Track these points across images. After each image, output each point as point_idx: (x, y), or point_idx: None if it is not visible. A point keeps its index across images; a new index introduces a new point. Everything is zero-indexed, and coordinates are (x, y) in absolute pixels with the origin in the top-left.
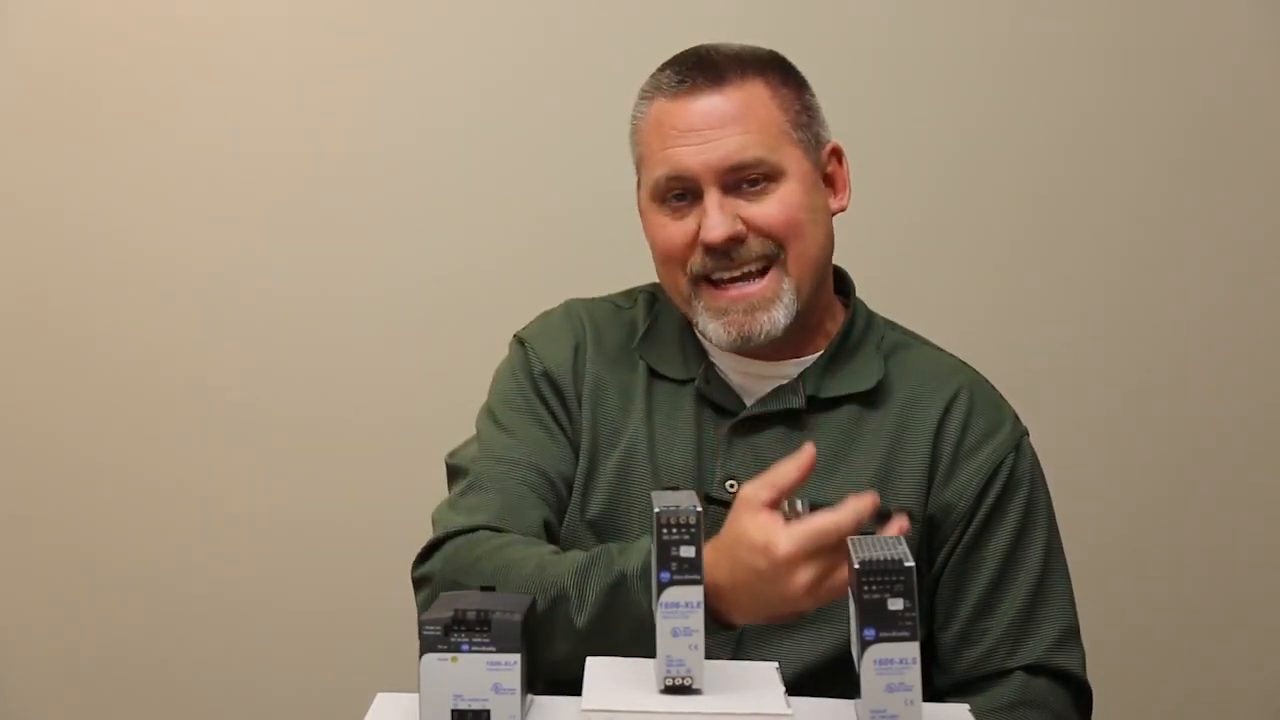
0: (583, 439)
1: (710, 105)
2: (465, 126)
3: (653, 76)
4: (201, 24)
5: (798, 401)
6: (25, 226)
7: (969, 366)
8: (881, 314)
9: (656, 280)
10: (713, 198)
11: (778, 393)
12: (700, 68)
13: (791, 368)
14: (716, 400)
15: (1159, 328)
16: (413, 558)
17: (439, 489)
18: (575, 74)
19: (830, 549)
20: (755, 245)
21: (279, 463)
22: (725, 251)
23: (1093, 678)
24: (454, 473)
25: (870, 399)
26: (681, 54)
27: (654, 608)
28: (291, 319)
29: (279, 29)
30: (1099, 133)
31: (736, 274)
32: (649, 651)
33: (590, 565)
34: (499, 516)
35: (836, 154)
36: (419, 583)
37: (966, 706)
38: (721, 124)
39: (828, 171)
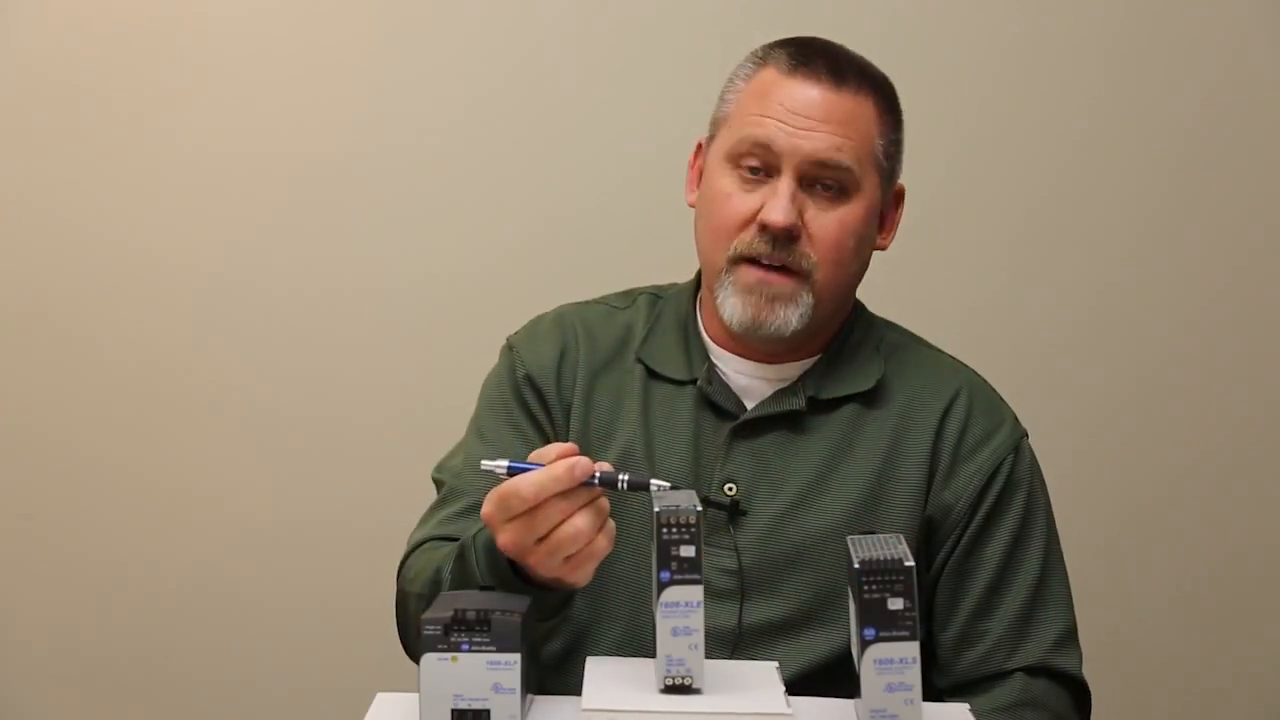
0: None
1: (823, 96)
2: (466, 127)
3: (767, 46)
4: (200, 24)
5: (798, 403)
6: (25, 226)
7: (968, 368)
8: (881, 315)
9: (657, 283)
10: (786, 182)
11: (778, 395)
12: (825, 58)
13: (793, 370)
14: (718, 401)
15: (1158, 328)
16: None
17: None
18: (574, 75)
19: (529, 509)
20: (802, 249)
21: (279, 463)
22: (776, 239)
23: (1092, 678)
24: (436, 486)
25: (870, 398)
26: (803, 38)
27: (654, 607)
28: (292, 319)
29: (278, 29)
30: (1098, 133)
31: (777, 264)
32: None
33: (460, 548)
34: (457, 525)
35: (899, 196)
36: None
37: (966, 706)
38: (826, 119)
39: (884, 209)
